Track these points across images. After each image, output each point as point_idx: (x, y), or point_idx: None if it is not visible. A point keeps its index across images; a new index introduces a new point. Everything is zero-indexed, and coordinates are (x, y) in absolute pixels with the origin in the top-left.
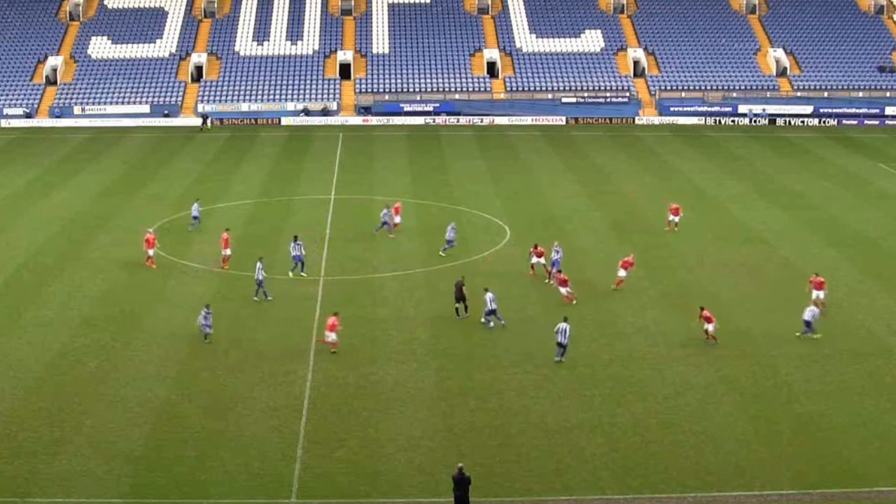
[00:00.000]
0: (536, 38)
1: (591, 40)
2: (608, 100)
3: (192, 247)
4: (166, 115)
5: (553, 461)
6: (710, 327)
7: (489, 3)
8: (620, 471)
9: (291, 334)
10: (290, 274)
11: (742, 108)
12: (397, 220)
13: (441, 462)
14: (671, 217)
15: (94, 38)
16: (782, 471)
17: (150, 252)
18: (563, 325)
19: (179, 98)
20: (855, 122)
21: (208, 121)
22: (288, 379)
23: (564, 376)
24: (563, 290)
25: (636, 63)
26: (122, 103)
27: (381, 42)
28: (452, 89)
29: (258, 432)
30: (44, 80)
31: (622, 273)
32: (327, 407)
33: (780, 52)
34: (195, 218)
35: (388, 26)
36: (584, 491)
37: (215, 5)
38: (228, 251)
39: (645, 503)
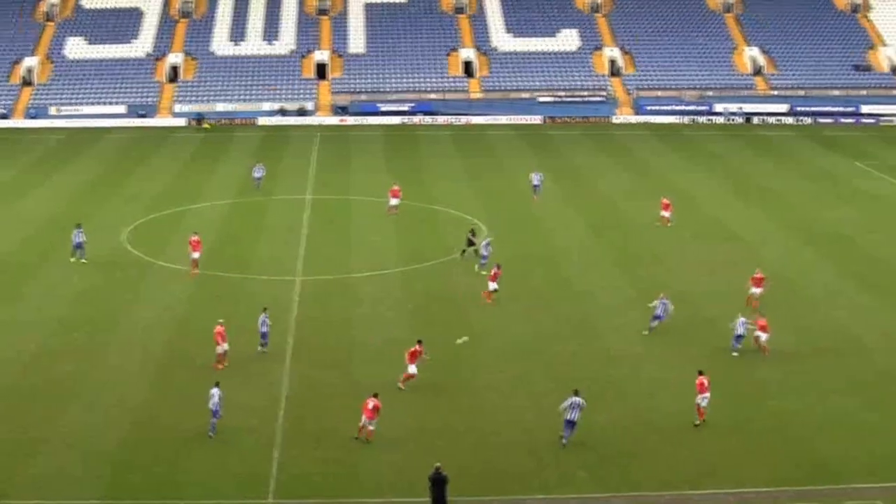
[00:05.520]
0: (512, 37)
1: (568, 39)
2: (585, 99)
3: (168, 247)
4: (142, 116)
5: (530, 460)
6: (764, 337)
7: (465, 2)
8: (598, 469)
9: (269, 334)
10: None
11: (718, 107)
12: (394, 202)
13: (418, 462)
14: (663, 213)
15: (70, 38)
16: (758, 468)
17: (195, 255)
18: (575, 400)
19: (155, 98)
20: (831, 121)
21: (205, 122)
22: (265, 379)
23: (542, 376)
24: (491, 285)
25: (612, 62)
26: (98, 104)
27: (357, 42)
28: (429, 89)
29: (235, 432)
30: (20, 81)
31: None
32: (304, 407)
33: (755, 51)
34: (77, 246)
35: (365, 26)
36: (561, 490)
37: (191, 5)
38: (197, 254)
39: (622, 501)
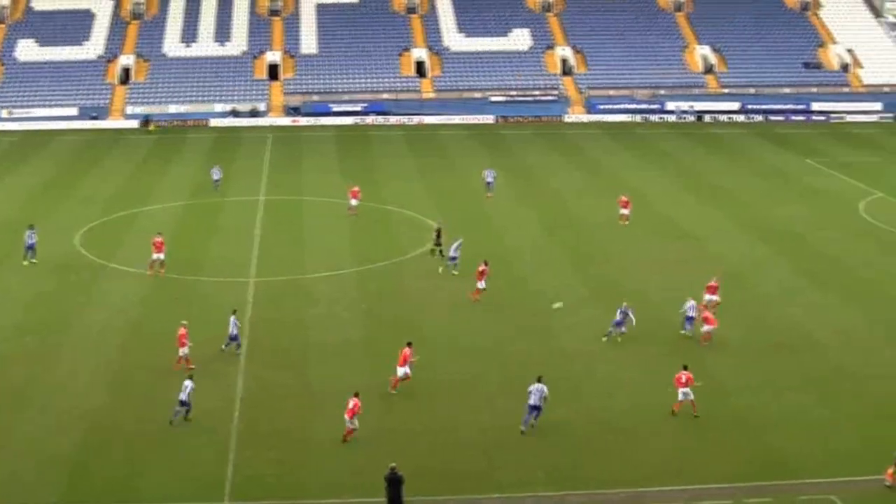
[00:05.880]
0: (464, 37)
1: (519, 39)
2: (536, 98)
3: (121, 249)
4: (94, 118)
5: (486, 459)
6: (706, 328)
7: (417, 2)
8: (553, 468)
9: (223, 336)
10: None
11: (670, 106)
12: (354, 203)
13: (374, 462)
14: (622, 210)
15: (20, 40)
16: (713, 464)
17: (160, 256)
18: (538, 386)
19: (107, 100)
20: (782, 119)
21: (151, 123)
22: (220, 381)
23: (497, 375)
24: (479, 283)
25: (564, 61)
26: (50, 106)
27: (309, 42)
28: (381, 89)
29: (190, 435)
30: None
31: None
32: (259, 409)
33: (706, 50)
34: (29, 247)
35: (317, 26)
36: (516, 489)
37: (143, 7)
38: (160, 255)
39: (577, 499)
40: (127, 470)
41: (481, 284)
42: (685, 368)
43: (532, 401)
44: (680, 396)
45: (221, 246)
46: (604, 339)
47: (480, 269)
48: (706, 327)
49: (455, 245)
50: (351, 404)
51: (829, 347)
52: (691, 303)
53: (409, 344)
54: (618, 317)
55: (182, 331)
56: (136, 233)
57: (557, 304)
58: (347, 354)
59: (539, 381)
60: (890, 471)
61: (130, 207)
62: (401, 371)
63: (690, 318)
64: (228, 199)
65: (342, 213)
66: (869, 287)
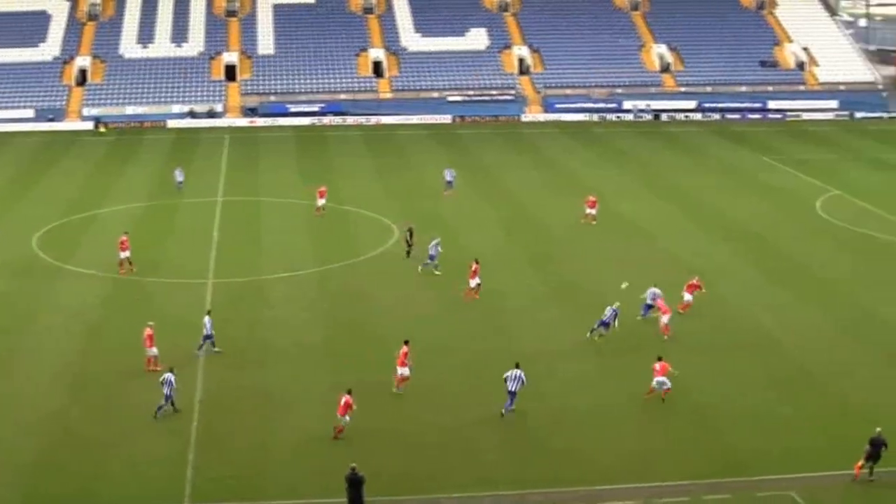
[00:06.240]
0: (421, 37)
1: (476, 39)
2: (494, 98)
3: (79, 251)
4: (51, 120)
5: (446, 459)
6: (664, 318)
7: (374, 2)
8: (513, 467)
9: (181, 338)
10: None
11: (627, 104)
12: (321, 202)
13: (334, 462)
14: (588, 210)
15: None
16: (674, 461)
17: (125, 255)
18: (515, 372)
19: (64, 102)
20: (738, 117)
21: (102, 125)
22: (179, 383)
23: (457, 375)
24: (472, 281)
25: (521, 61)
26: (6, 108)
27: (266, 43)
28: (338, 89)
29: (150, 437)
30: None
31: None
32: (218, 410)
33: (663, 49)
34: None
35: (273, 27)
36: (477, 488)
37: (99, 8)
38: (126, 254)
39: (537, 498)
40: (87, 473)
41: (475, 282)
42: (660, 359)
43: (510, 387)
44: (654, 384)
45: (179, 247)
46: (588, 335)
47: (473, 267)
48: (663, 318)
49: (433, 243)
50: (342, 401)
51: (789, 345)
52: (652, 290)
53: (406, 342)
54: (607, 315)
55: (148, 332)
56: (93, 235)
57: (625, 284)
58: (306, 355)
59: (517, 367)
60: (859, 463)
61: (88, 209)
62: (402, 371)
63: (649, 306)
64: (186, 201)
65: (300, 214)
66: (827, 285)
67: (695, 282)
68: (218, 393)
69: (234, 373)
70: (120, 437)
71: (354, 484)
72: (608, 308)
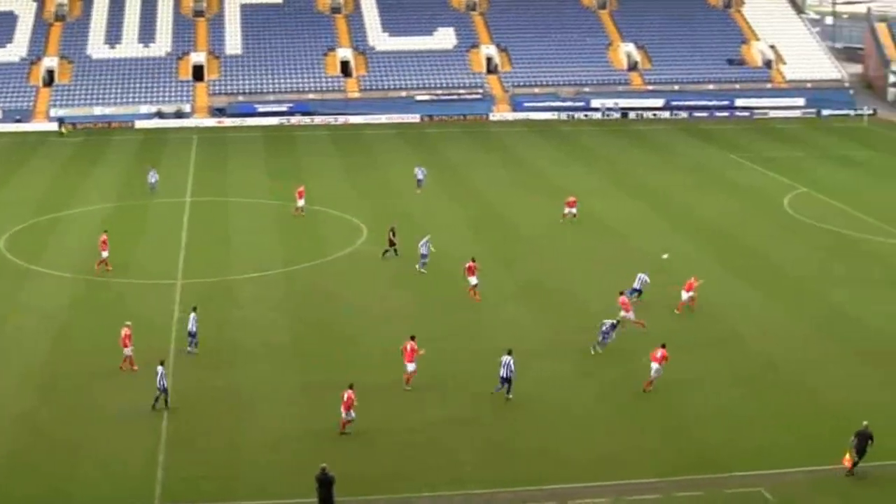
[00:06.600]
0: (389, 36)
1: (444, 38)
2: (462, 97)
3: (47, 252)
4: (18, 121)
5: (416, 459)
6: (628, 314)
7: (341, 2)
8: (483, 466)
9: (150, 338)
10: None
11: (595, 103)
12: (301, 203)
13: (304, 462)
14: (567, 209)
15: None
16: (643, 459)
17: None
18: (506, 358)
19: (31, 103)
20: (706, 115)
21: (63, 126)
22: (149, 383)
23: (426, 375)
24: (471, 280)
25: (489, 60)
26: None
27: (233, 43)
28: (306, 89)
29: (120, 438)
30: None
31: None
32: (188, 410)
33: (630, 47)
34: None
35: (241, 27)
36: (447, 487)
37: (66, 8)
38: (106, 253)
39: (507, 496)
40: (57, 474)
41: (473, 280)
42: (663, 346)
43: (501, 373)
44: (652, 373)
45: (148, 248)
46: (592, 351)
47: (468, 265)
48: (627, 314)
49: (423, 241)
50: (345, 396)
51: (757, 342)
52: (640, 276)
53: (412, 338)
54: (604, 329)
55: (126, 331)
56: (62, 236)
57: (665, 255)
58: (275, 355)
59: (509, 353)
60: (846, 457)
61: (56, 210)
62: (410, 367)
63: (638, 291)
64: (154, 201)
65: (269, 214)
66: (795, 282)
67: (692, 281)
68: (188, 393)
69: (204, 373)
70: (90, 438)
71: (325, 484)
72: (610, 322)
